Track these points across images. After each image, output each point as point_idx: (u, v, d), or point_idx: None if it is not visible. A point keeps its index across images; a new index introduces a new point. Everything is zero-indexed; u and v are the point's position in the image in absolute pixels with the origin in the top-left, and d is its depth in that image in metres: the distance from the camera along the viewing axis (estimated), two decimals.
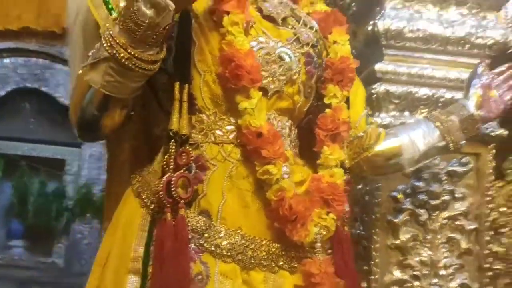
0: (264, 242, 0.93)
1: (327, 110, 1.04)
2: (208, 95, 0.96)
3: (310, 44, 1.03)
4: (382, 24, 1.37)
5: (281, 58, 0.99)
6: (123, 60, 0.83)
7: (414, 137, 1.14)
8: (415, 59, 1.39)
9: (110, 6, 0.92)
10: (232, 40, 0.92)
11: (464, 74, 1.36)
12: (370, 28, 1.39)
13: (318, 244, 0.94)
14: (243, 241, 0.92)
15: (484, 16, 1.41)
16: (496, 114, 1.20)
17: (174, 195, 0.88)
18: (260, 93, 0.93)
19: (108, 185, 1.14)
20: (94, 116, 0.92)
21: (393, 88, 1.37)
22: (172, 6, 0.81)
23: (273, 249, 0.94)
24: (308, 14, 1.13)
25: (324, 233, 0.95)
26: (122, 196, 1.02)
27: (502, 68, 1.24)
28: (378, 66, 1.38)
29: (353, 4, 1.53)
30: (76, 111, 0.95)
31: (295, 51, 1.01)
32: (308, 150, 1.06)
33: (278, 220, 0.92)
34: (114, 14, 0.90)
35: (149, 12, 0.81)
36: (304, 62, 1.02)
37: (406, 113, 1.38)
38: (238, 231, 0.92)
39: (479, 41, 1.37)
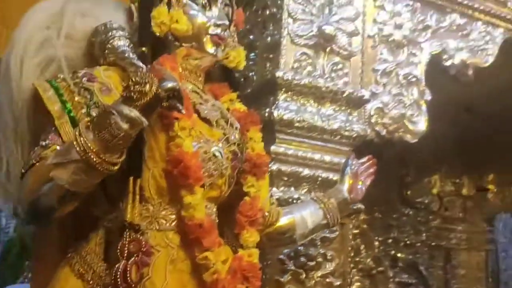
0: None
1: (246, 198, 1.25)
2: (154, 187, 1.10)
3: (236, 143, 1.25)
4: (277, 113, 1.65)
5: (214, 155, 1.18)
6: (95, 164, 0.93)
7: (305, 215, 1.42)
8: (300, 144, 1.70)
9: (63, 99, 1.01)
10: (181, 143, 1.08)
11: (336, 158, 1.71)
12: (266, 115, 1.66)
13: None
14: None
15: (350, 113, 1.79)
16: (361, 197, 1.56)
17: (129, 281, 0.99)
18: (202, 189, 1.11)
19: (35, 262, 1.16)
20: (52, 208, 0.98)
21: (283, 167, 1.65)
22: (146, 122, 0.94)
23: None
24: (228, 109, 1.34)
25: None
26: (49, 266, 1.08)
27: (365, 159, 1.62)
28: (273, 148, 1.64)
29: (250, 88, 1.79)
30: (27, 196, 0.99)
31: (225, 149, 1.21)
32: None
33: None
34: (68, 107, 0.99)
35: (125, 126, 0.93)
36: (231, 158, 1.22)
37: (292, 189, 1.67)
38: None
39: (347, 133, 1.74)
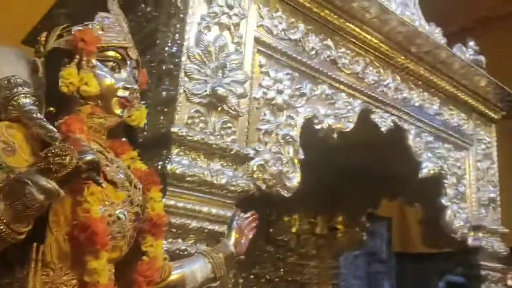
0: None
1: (145, 258, 1.30)
2: (56, 252, 1.09)
3: (139, 204, 1.29)
4: (170, 167, 1.72)
5: (119, 218, 1.20)
6: (3, 234, 0.91)
7: (194, 270, 1.51)
8: (189, 196, 1.79)
9: None
10: (89, 208, 1.10)
11: (221, 211, 1.84)
12: (159, 168, 1.72)
13: None
14: None
15: (236, 169, 1.94)
16: (244, 250, 1.70)
17: None
18: (107, 253, 1.13)
19: None
20: None
21: (173, 220, 1.71)
22: (63, 194, 0.95)
23: None
24: (128, 167, 1.38)
25: None
26: None
27: (248, 214, 1.78)
28: (163, 200, 1.69)
29: (141, 138, 1.83)
30: None
31: (128, 211, 1.24)
32: None
33: None
34: None
35: (40, 197, 0.93)
36: (133, 220, 1.26)
37: (180, 240, 1.73)
38: None
39: (233, 188, 1.88)
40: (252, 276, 3.83)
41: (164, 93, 1.89)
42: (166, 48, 1.92)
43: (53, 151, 0.95)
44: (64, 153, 0.95)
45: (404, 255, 6.89)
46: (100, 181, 1.04)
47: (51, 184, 0.93)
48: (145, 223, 1.33)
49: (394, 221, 6.81)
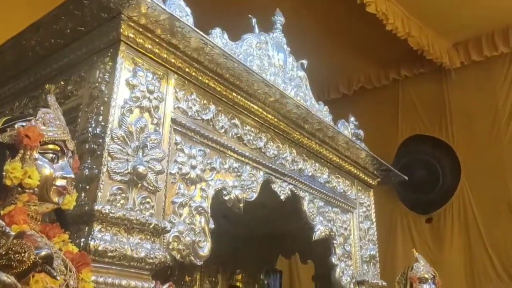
0: None
1: None
2: None
3: (74, 287, 1.39)
4: (92, 244, 1.82)
5: None
6: None
7: None
8: (109, 270, 1.88)
9: None
10: None
11: (140, 283, 1.96)
12: (82, 244, 1.80)
13: None
14: None
15: (154, 241, 2.08)
16: None
17: None
18: None
19: None
20: None
21: None
22: (20, 287, 1.06)
23: None
24: (60, 249, 1.47)
25: None
26: None
27: (166, 285, 1.93)
28: None
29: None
30: None
31: None
32: None
33: None
34: None
35: None
36: None
37: None
38: None
39: (151, 260, 2.01)
40: None
41: (86, 171, 1.99)
42: (90, 129, 2.05)
43: (13, 248, 1.05)
44: (23, 250, 1.06)
45: None
46: (55, 274, 1.15)
47: (11, 279, 1.04)
48: None
49: (284, 275, 7.16)
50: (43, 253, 1.11)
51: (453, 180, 6.45)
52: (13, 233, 1.14)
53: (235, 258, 4.43)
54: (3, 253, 1.06)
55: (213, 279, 4.43)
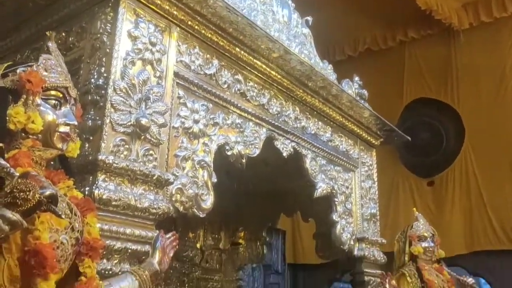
0: None
1: (82, 278, 1.43)
2: (7, 275, 1.19)
3: (79, 230, 1.42)
4: (97, 193, 1.85)
5: (62, 243, 1.33)
6: None
7: (123, 287, 1.65)
8: (113, 219, 1.92)
9: None
10: (39, 235, 1.22)
11: (143, 232, 2.00)
12: (87, 193, 1.83)
13: None
14: None
15: (157, 192, 2.11)
16: (167, 267, 1.88)
17: None
18: (56, 275, 1.25)
19: None
20: None
21: None
22: (25, 225, 1.08)
23: None
24: (65, 195, 1.50)
25: None
26: None
27: (170, 235, 1.96)
28: None
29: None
30: None
31: (70, 237, 1.38)
32: None
33: None
34: None
35: (5, 228, 1.05)
36: (74, 244, 1.39)
37: (104, 261, 1.86)
38: None
39: (154, 210, 2.05)
40: None
41: (89, 122, 2.01)
42: (92, 80, 2.05)
43: (17, 187, 1.07)
44: (27, 189, 1.08)
45: (296, 266, 7.41)
46: (60, 213, 1.18)
47: (16, 217, 1.06)
48: (83, 247, 1.46)
49: (288, 234, 7.31)
50: (48, 192, 1.13)
51: (457, 144, 6.45)
52: (18, 174, 1.16)
53: (237, 216, 4.49)
54: (8, 191, 1.08)
55: (216, 235, 4.51)
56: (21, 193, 1.07)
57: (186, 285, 4.19)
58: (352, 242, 3.45)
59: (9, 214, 1.06)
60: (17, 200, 1.07)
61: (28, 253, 1.21)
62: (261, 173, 3.82)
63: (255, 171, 3.78)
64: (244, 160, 2.65)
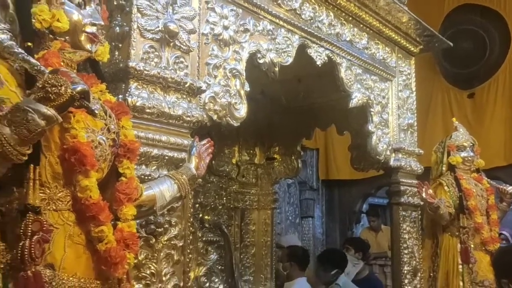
0: (92, 280, 1.28)
1: (123, 178, 1.46)
2: (50, 172, 1.22)
3: (115, 132, 1.43)
4: (130, 100, 1.84)
5: (100, 143, 1.35)
6: (11, 155, 1.03)
7: (163, 190, 1.69)
8: (148, 127, 1.93)
9: None
10: (76, 134, 1.23)
11: (179, 140, 2.01)
12: (120, 101, 1.83)
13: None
14: (79, 283, 1.24)
15: (190, 101, 2.09)
16: (204, 172, 1.90)
17: (33, 256, 1.12)
18: (96, 173, 1.28)
19: None
20: None
21: None
22: (60, 119, 1.08)
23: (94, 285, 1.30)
24: (99, 99, 1.49)
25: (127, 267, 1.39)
26: None
27: (205, 141, 1.97)
28: None
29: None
30: None
31: (107, 137, 1.39)
32: None
33: (105, 263, 1.29)
34: None
35: (42, 123, 1.05)
36: (111, 145, 1.41)
37: (143, 166, 1.89)
38: (74, 275, 1.24)
39: (188, 118, 2.04)
40: (197, 205, 4.06)
41: (117, 28, 1.96)
42: None
43: (49, 81, 1.06)
44: (59, 84, 1.06)
45: (331, 182, 7.50)
46: (93, 108, 1.17)
47: (51, 111, 1.06)
48: (120, 149, 1.48)
49: (320, 152, 7.34)
50: (79, 88, 1.12)
51: (501, 53, 6.09)
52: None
53: (271, 132, 4.49)
54: (40, 86, 1.07)
55: (251, 151, 4.54)
56: (53, 88, 1.06)
57: (224, 198, 4.31)
58: (388, 153, 3.41)
59: (44, 109, 1.05)
60: (50, 95, 1.06)
61: (67, 151, 1.23)
62: (294, 90, 3.75)
63: (288, 88, 3.72)
64: (277, 69, 2.57)
